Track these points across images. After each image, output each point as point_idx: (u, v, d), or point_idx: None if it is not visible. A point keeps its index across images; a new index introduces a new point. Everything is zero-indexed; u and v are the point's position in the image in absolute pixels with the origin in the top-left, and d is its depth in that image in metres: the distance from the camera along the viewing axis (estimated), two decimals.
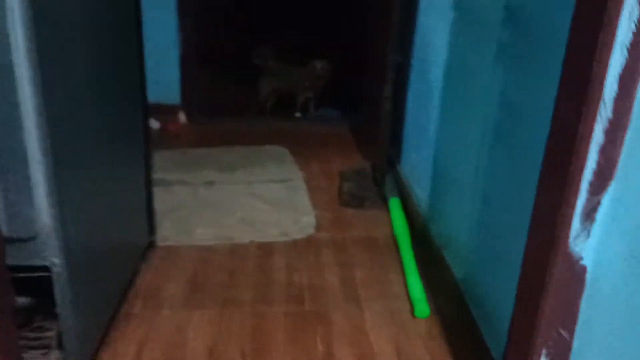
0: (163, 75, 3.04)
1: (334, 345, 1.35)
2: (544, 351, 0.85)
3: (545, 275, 0.81)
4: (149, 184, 1.71)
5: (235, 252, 1.77)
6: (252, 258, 1.73)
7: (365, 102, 2.55)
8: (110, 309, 1.39)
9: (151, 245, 1.78)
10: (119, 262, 1.46)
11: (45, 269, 1.08)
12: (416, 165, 1.97)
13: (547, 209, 0.81)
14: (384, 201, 2.07)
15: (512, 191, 1.14)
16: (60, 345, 1.18)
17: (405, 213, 1.91)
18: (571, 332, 0.84)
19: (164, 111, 3.02)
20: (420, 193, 1.87)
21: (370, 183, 2.11)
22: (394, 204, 1.97)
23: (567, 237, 0.78)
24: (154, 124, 2.96)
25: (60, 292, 1.10)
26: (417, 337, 1.38)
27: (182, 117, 3.10)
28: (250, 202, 2.10)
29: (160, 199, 2.07)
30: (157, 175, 2.29)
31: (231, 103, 3.41)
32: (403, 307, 1.49)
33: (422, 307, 1.44)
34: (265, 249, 1.78)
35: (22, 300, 1.19)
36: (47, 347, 1.20)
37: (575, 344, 0.86)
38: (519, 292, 0.90)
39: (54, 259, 1.06)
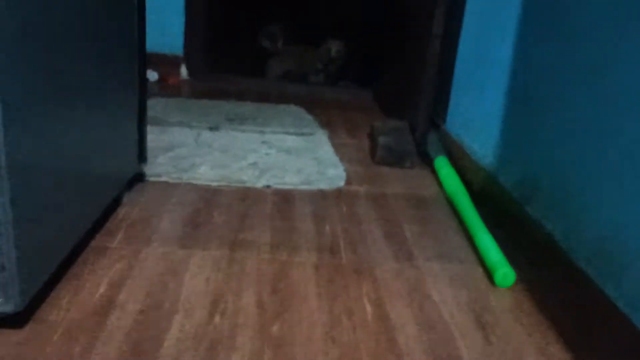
0: (165, 23, 2.68)
1: (386, 307, 0.96)
2: None
3: None
4: (141, 113, 1.34)
5: (246, 196, 1.38)
6: (269, 203, 1.34)
7: (398, 59, 2.19)
8: (72, 234, 0.99)
9: (140, 178, 1.39)
10: (86, 189, 1.05)
11: None
12: (472, 117, 1.61)
13: None
14: (428, 161, 1.70)
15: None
16: None
17: (458, 172, 1.54)
18: None
19: (164, 62, 2.65)
20: (480, 147, 1.51)
21: (409, 139, 1.74)
22: (442, 162, 1.60)
23: None
24: (152, 75, 2.58)
25: None
26: (501, 307, 1.00)
27: (183, 70, 2.71)
28: (264, 150, 1.71)
29: (155, 137, 1.69)
30: (153, 114, 1.91)
31: (239, 65, 3.04)
32: (475, 273, 1.11)
33: (505, 271, 1.05)
34: (285, 196, 1.40)
35: None
36: None
37: None
38: None
39: None
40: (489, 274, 1.09)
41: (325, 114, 2.21)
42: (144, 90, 1.36)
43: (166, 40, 2.69)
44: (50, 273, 0.89)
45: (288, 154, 1.69)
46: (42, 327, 0.83)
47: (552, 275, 1.04)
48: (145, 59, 1.37)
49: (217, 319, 0.89)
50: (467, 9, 1.69)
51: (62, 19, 0.88)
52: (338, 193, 1.45)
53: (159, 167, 1.48)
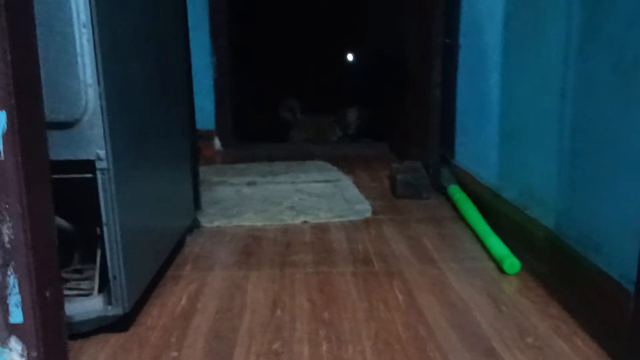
0: (198, 103, 3.01)
1: (415, 296, 1.16)
2: None
3: None
4: (195, 175, 1.63)
5: (288, 230, 1.61)
6: (307, 234, 1.57)
7: (406, 110, 2.46)
8: (156, 261, 1.23)
9: (196, 225, 1.64)
10: (163, 231, 1.31)
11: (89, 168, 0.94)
12: (475, 149, 1.84)
13: None
14: (443, 192, 1.92)
15: (604, 124, 1.01)
16: (101, 292, 1.02)
17: (469, 196, 1.76)
18: None
19: (200, 136, 2.95)
20: (484, 173, 1.73)
21: (424, 174, 1.97)
22: (454, 189, 1.82)
23: None
24: None
25: (106, 194, 0.96)
26: (511, 288, 1.19)
27: (216, 142, 3.03)
28: (298, 196, 1.96)
29: (203, 195, 1.95)
30: None
31: (264, 135, 3.34)
32: (487, 266, 1.31)
33: (512, 261, 1.25)
34: (321, 228, 1.63)
35: (60, 222, 1.03)
36: (84, 294, 1.04)
37: None
38: None
39: (99, 151, 0.93)
40: (499, 267, 1.29)
41: (347, 165, 2.46)
42: (196, 159, 1.65)
43: (200, 117, 2.99)
44: (144, 288, 1.13)
45: (319, 198, 1.93)
46: (142, 329, 1.06)
47: (549, 259, 1.24)
48: (197, 135, 1.68)
49: (278, 313, 1.10)
50: (459, 60, 1.97)
51: (154, 108, 1.17)
52: (366, 222, 1.67)
53: (210, 216, 1.73)
